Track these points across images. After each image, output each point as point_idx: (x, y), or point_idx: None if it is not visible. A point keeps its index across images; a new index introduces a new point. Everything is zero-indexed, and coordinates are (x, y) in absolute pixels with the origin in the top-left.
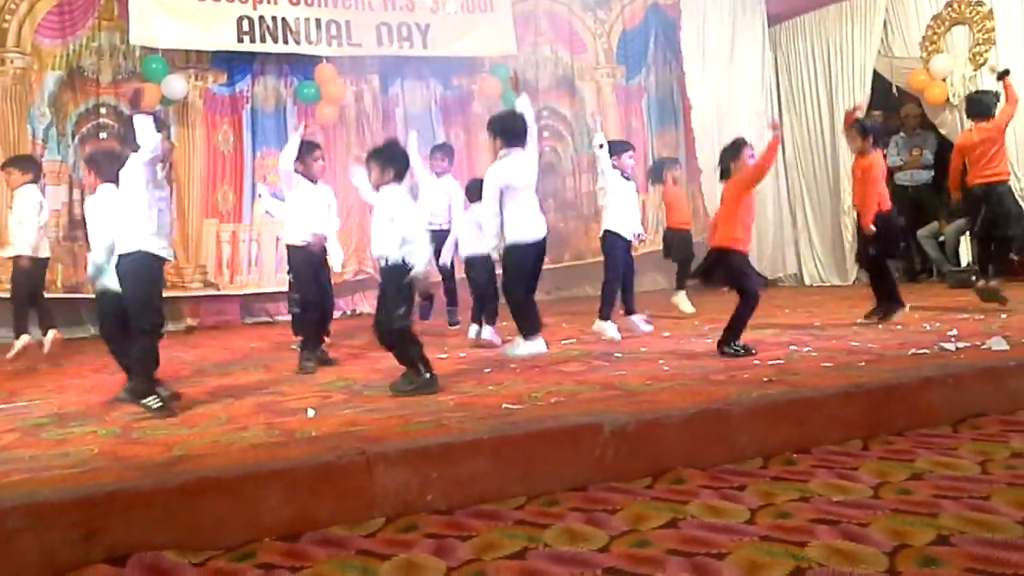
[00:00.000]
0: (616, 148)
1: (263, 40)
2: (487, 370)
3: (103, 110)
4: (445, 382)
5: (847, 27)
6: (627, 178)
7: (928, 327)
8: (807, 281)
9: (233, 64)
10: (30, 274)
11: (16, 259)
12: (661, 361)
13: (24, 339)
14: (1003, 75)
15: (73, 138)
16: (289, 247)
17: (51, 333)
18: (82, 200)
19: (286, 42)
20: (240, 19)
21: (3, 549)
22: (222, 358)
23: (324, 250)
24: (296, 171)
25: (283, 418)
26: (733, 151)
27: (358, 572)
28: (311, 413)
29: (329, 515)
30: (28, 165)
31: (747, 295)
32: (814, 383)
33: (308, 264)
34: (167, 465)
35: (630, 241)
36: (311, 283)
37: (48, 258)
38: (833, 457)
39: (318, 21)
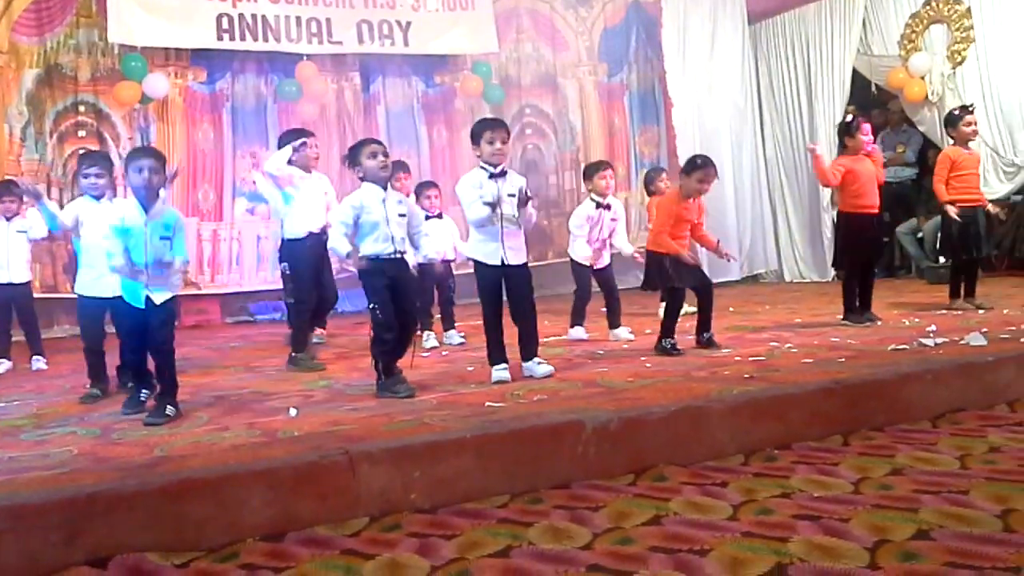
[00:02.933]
0: (589, 171)
1: (243, 38)
2: (469, 368)
3: (82, 108)
4: (427, 381)
5: (826, 25)
6: (605, 207)
7: (907, 323)
8: (787, 277)
9: (213, 62)
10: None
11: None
12: (643, 358)
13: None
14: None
15: (51, 136)
16: (288, 241)
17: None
18: (60, 199)
19: (266, 40)
20: (219, 17)
21: None
22: (203, 357)
23: (324, 244)
24: (289, 160)
25: (265, 418)
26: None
27: (342, 572)
28: (293, 412)
29: (312, 515)
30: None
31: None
32: (794, 379)
33: (307, 259)
34: (149, 466)
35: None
36: (309, 279)
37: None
38: (814, 453)
39: (298, 19)
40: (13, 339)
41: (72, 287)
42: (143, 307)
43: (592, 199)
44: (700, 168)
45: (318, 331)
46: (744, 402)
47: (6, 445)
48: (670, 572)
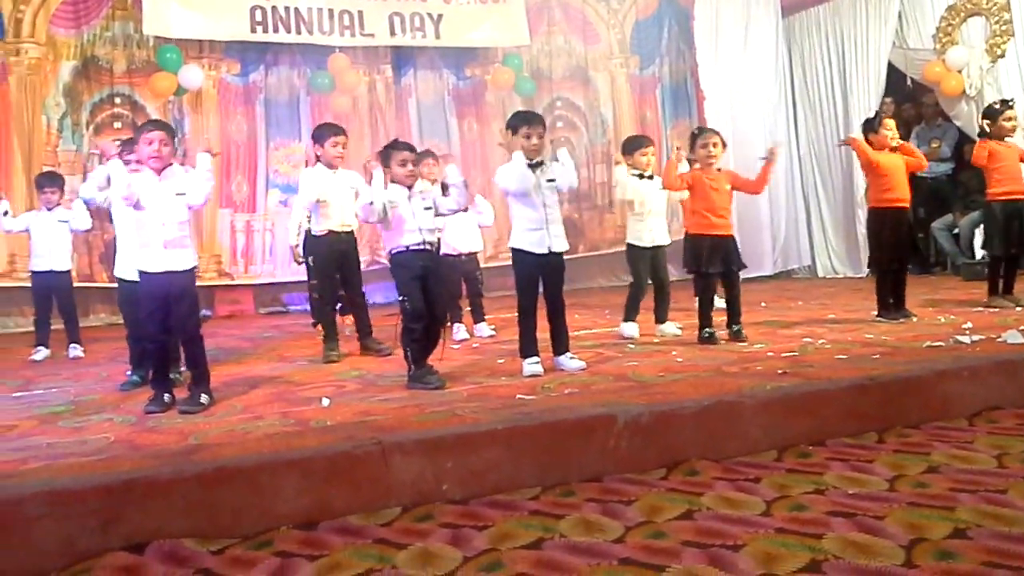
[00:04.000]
0: (629, 146)
1: (276, 30)
2: (500, 361)
3: (117, 99)
4: (458, 372)
5: (861, 18)
6: (649, 177)
7: (942, 320)
8: (820, 273)
9: (246, 54)
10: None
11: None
12: (674, 352)
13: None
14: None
15: (87, 127)
16: (311, 236)
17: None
18: None
19: (299, 32)
20: (253, 9)
21: (24, 535)
22: (236, 347)
23: (352, 240)
24: (315, 156)
25: (298, 407)
26: None
27: (375, 560)
28: (325, 402)
29: (345, 504)
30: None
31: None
32: (828, 375)
33: (326, 256)
34: (184, 454)
35: (659, 246)
36: (328, 275)
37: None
38: (848, 450)
39: (331, 11)
40: (52, 327)
41: (109, 275)
42: (168, 271)
43: (631, 173)
44: (697, 136)
45: (347, 322)
46: (777, 397)
47: (45, 431)
48: (703, 567)
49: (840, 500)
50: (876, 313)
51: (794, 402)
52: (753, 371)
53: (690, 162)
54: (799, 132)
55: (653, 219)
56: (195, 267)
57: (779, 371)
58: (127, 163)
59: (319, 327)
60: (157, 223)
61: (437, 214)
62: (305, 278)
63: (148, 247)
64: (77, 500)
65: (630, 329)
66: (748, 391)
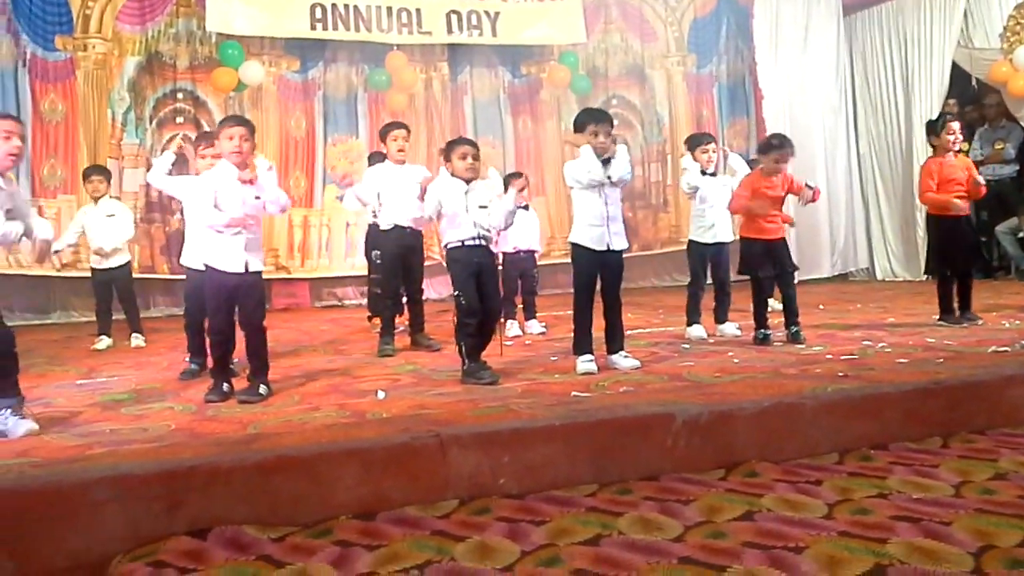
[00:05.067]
0: (692, 142)
1: (335, 28)
2: (553, 358)
3: (180, 95)
4: (511, 369)
5: (925, 17)
6: (712, 174)
7: (1007, 324)
8: (879, 276)
9: (306, 51)
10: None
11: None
12: (731, 353)
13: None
14: None
15: (150, 122)
16: (376, 230)
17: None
18: None
19: (358, 30)
20: (313, 7)
21: (91, 518)
22: (293, 340)
23: (418, 235)
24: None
25: (354, 399)
26: None
27: (433, 552)
28: (381, 395)
29: (403, 495)
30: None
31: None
32: (891, 379)
33: (391, 250)
34: (245, 442)
35: (721, 243)
36: (391, 269)
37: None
38: (911, 454)
39: (389, 9)
40: (114, 317)
41: (171, 267)
42: (241, 271)
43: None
44: (776, 148)
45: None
46: (839, 400)
47: (108, 418)
48: (765, 568)
49: (904, 505)
50: (937, 317)
51: (856, 404)
52: (812, 373)
53: (750, 164)
54: (859, 133)
55: (716, 214)
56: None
57: (839, 373)
58: (203, 157)
59: (374, 321)
60: (241, 232)
61: (483, 231)
62: (359, 274)
63: (225, 246)
64: (142, 485)
65: (697, 331)
66: (809, 393)
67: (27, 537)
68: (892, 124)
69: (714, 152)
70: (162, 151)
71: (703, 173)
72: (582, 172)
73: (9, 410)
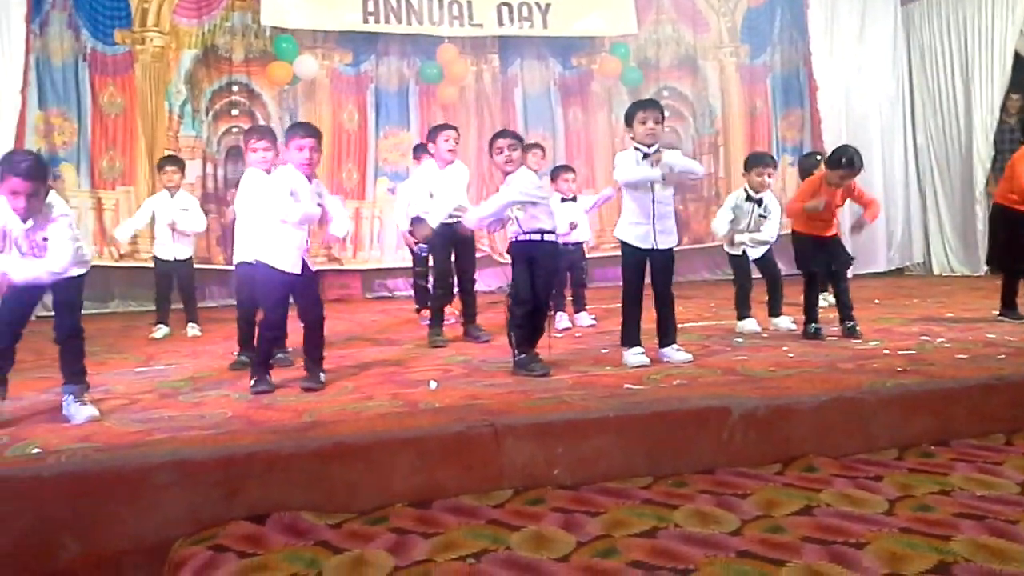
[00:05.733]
0: (748, 163)
1: (387, 21)
2: (604, 351)
3: (235, 88)
4: (562, 361)
5: (986, 5)
6: (756, 201)
7: None
8: (936, 270)
9: (358, 44)
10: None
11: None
12: (785, 348)
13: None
14: None
15: (207, 114)
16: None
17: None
18: (215, 174)
19: (409, 23)
20: (365, 0)
21: (152, 502)
22: (345, 330)
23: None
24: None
25: (406, 389)
26: None
27: (489, 541)
28: (433, 385)
29: (458, 484)
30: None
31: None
32: (952, 374)
33: (440, 246)
34: (301, 430)
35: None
36: (446, 262)
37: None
38: (974, 451)
39: (440, 1)
40: (172, 307)
41: (226, 258)
42: (298, 273)
43: (746, 189)
44: (844, 167)
45: (451, 312)
46: (899, 395)
47: (166, 404)
48: (825, 563)
49: (968, 502)
50: (998, 312)
51: (917, 400)
52: (869, 368)
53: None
54: (916, 125)
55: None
56: None
57: (898, 368)
58: (254, 151)
59: (421, 312)
60: (302, 230)
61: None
62: (409, 265)
63: (286, 248)
64: (202, 471)
65: (750, 325)
66: (868, 388)
67: (91, 519)
68: (951, 116)
69: (769, 177)
70: (218, 143)
71: (748, 199)
72: (630, 170)
73: (72, 396)
